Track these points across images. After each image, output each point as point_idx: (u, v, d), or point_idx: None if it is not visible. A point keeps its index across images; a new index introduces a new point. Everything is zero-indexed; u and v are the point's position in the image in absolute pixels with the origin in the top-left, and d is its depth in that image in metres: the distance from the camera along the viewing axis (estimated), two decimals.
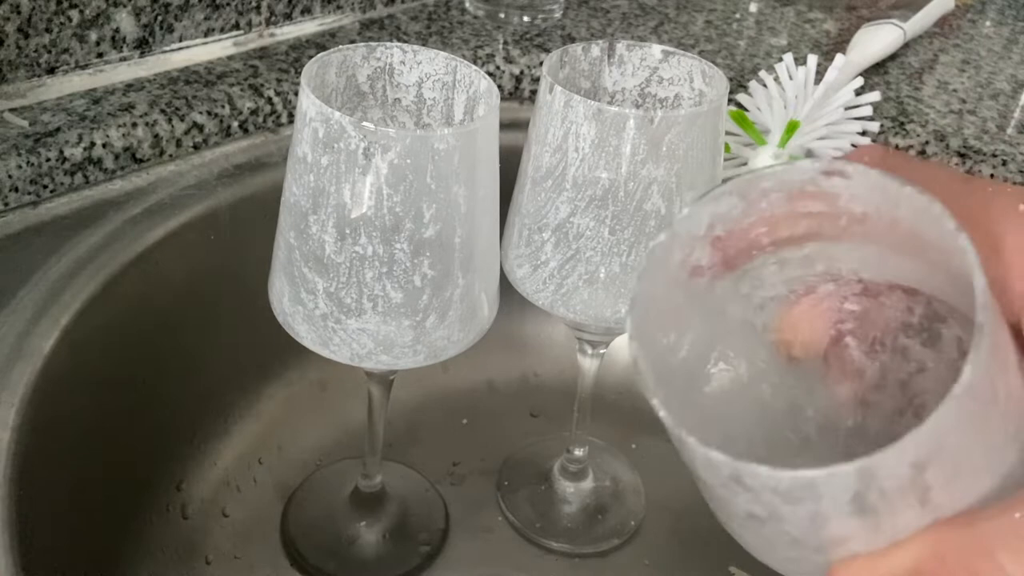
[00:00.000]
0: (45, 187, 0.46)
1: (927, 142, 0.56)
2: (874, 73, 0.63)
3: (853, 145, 0.52)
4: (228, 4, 0.56)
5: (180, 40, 0.55)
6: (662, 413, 0.23)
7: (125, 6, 0.51)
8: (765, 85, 0.51)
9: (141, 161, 0.49)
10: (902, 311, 0.27)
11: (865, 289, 0.27)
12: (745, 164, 0.50)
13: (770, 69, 0.59)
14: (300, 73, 0.37)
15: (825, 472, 0.20)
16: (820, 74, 0.53)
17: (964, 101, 0.61)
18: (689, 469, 0.25)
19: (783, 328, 0.28)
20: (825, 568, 0.23)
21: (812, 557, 0.23)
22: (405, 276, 0.34)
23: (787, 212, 0.25)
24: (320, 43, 0.60)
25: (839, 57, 0.53)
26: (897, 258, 0.25)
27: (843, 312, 0.28)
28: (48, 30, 0.49)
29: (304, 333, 0.37)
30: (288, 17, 0.60)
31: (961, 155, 0.55)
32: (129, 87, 0.51)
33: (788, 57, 0.52)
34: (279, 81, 0.54)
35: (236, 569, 0.47)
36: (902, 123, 0.57)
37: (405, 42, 0.49)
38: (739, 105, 0.53)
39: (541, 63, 0.52)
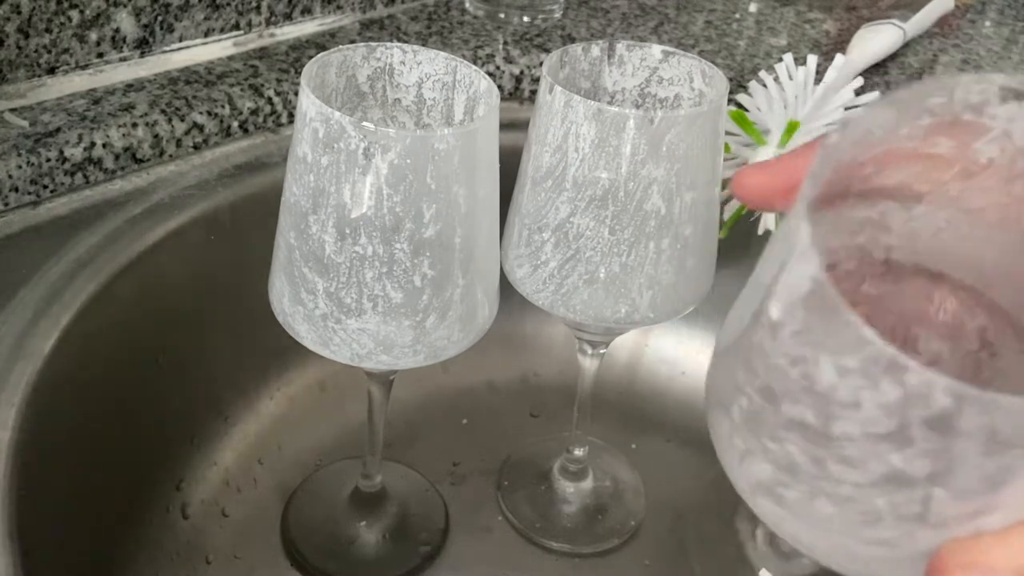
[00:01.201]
0: (45, 187, 0.46)
1: None
2: (874, 73, 0.63)
3: None
4: (228, 4, 0.56)
5: (180, 40, 0.55)
6: (871, 334, 0.19)
7: (125, 6, 0.51)
8: (765, 85, 0.52)
9: (141, 161, 0.49)
10: (921, 299, 0.26)
11: (887, 271, 0.26)
12: (745, 164, 0.50)
13: (770, 69, 0.59)
14: (300, 73, 0.37)
15: None
16: (820, 74, 0.53)
17: None
18: (801, 427, 0.21)
19: None
20: (927, 553, 0.21)
21: (924, 536, 0.21)
22: (405, 276, 0.34)
23: (911, 150, 0.24)
24: (320, 43, 0.60)
25: (839, 57, 0.53)
26: (962, 230, 0.24)
27: (858, 295, 0.26)
28: (48, 30, 0.49)
29: (304, 333, 0.37)
30: (288, 17, 0.60)
31: None
32: (129, 87, 0.51)
33: (788, 57, 0.52)
34: (279, 81, 0.54)
35: (236, 569, 0.47)
36: None
37: (405, 42, 0.49)
38: (739, 105, 0.53)
39: (541, 63, 0.52)
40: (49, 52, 0.49)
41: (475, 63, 0.60)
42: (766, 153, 0.49)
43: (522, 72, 0.61)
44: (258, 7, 0.58)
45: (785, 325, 0.21)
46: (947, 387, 0.18)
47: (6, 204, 0.44)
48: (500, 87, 0.61)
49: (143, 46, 0.53)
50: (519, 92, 0.62)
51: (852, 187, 0.25)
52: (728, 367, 0.24)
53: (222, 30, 0.57)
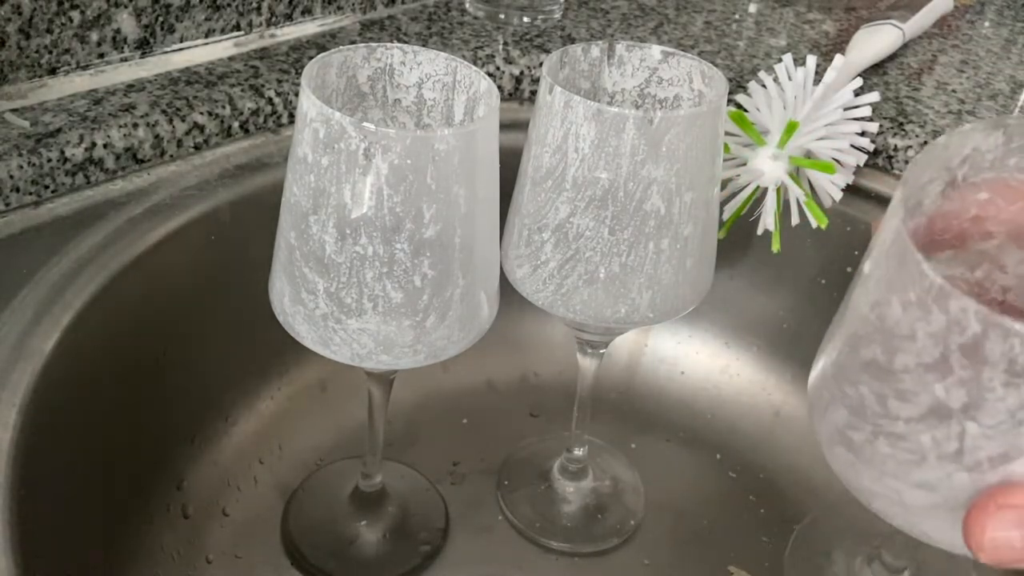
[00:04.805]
0: (46, 187, 0.46)
1: (925, 143, 0.56)
2: (873, 74, 0.63)
3: (852, 146, 0.52)
4: (229, 5, 0.56)
5: (181, 41, 0.55)
6: (927, 267, 0.23)
7: (126, 7, 0.52)
8: (764, 86, 0.52)
9: (142, 161, 0.49)
10: None
11: (1003, 312, 0.28)
12: (744, 164, 0.50)
13: (769, 70, 0.59)
14: (300, 74, 0.37)
15: None
16: (819, 75, 0.53)
17: (963, 102, 0.61)
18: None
19: None
20: (963, 502, 0.24)
21: (961, 480, 0.24)
22: (405, 276, 0.34)
23: (1021, 183, 0.26)
24: (320, 44, 0.60)
25: (838, 58, 0.53)
26: None
27: None
28: (49, 31, 0.49)
29: (305, 333, 0.37)
30: (288, 18, 0.60)
31: None
32: (130, 88, 0.51)
33: (787, 58, 0.52)
34: (280, 82, 0.54)
35: (237, 569, 0.47)
36: (901, 123, 0.57)
37: (405, 43, 0.49)
38: (738, 106, 0.53)
39: (541, 64, 0.52)
40: (50, 52, 0.49)
41: (475, 64, 0.60)
42: (765, 153, 0.49)
43: (522, 73, 0.61)
44: (259, 8, 0.58)
45: (872, 276, 0.26)
46: (977, 312, 0.22)
47: (7, 204, 0.44)
48: (500, 88, 0.61)
49: (144, 47, 0.53)
50: (519, 92, 0.62)
51: (969, 211, 0.27)
52: (829, 334, 0.29)
53: (223, 31, 0.57)
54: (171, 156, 0.50)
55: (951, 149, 0.27)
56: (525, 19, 0.66)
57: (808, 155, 0.51)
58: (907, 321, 0.24)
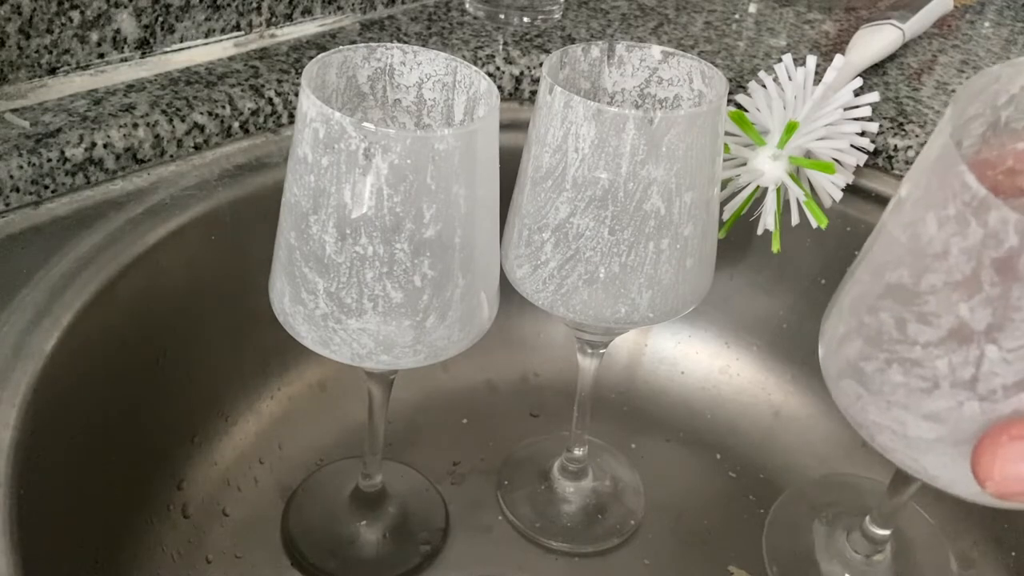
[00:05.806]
0: (46, 187, 0.46)
1: (925, 143, 0.56)
2: (873, 74, 0.63)
3: (852, 146, 0.52)
4: (229, 5, 0.56)
5: (181, 41, 0.55)
6: (972, 180, 0.23)
7: (126, 7, 0.52)
8: (764, 86, 0.52)
9: (142, 161, 0.49)
10: None
11: None
12: (744, 164, 0.50)
13: (769, 70, 0.59)
14: (300, 74, 0.37)
15: None
16: (819, 75, 0.53)
17: None
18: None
19: None
20: (970, 436, 0.24)
21: (971, 410, 0.24)
22: (405, 276, 0.34)
23: None
24: (320, 44, 0.60)
25: (838, 58, 0.53)
26: None
27: None
28: (49, 31, 0.49)
29: (305, 333, 0.37)
30: (288, 18, 0.60)
31: None
32: (130, 88, 0.51)
33: (787, 58, 0.52)
34: (280, 82, 0.54)
35: (237, 569, 0.47)
36: (900, 124, 0.57)
37: (405, 43, 0.49)
38: (738, 106, 0.53)
39: (541, 64, 0.52)
40: (50, 53, 0.49)
41: (475, 64, 0.60)
42: (765, 153, 0.49)
43: (522, 73, 0.61)
44: (259, 8, 0.58)
45: (909, 197, 0.26)
46: (1017, 223, 0.22)
47: (7, 204, 0.44)
48: (500, 87, 0.61)
49: (144, 47, 0.53)
50: (519, 92, 0.62)
51: (1006, 162, 0.27)
52: (849, 278, 0.29)
53: (223, 31, 0.57)
54: (171, 156, 0.50)
55: (1002, 81, 0.27)
56: (525, 19, 0.66)
57: (808, 155, 0.51)
58: (941, 238, 0.24)
